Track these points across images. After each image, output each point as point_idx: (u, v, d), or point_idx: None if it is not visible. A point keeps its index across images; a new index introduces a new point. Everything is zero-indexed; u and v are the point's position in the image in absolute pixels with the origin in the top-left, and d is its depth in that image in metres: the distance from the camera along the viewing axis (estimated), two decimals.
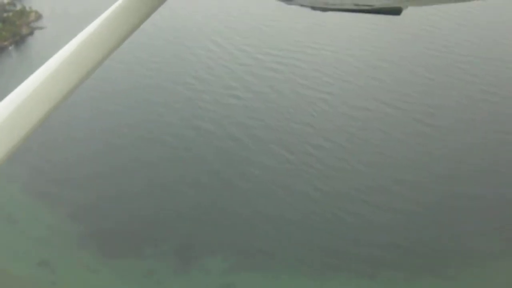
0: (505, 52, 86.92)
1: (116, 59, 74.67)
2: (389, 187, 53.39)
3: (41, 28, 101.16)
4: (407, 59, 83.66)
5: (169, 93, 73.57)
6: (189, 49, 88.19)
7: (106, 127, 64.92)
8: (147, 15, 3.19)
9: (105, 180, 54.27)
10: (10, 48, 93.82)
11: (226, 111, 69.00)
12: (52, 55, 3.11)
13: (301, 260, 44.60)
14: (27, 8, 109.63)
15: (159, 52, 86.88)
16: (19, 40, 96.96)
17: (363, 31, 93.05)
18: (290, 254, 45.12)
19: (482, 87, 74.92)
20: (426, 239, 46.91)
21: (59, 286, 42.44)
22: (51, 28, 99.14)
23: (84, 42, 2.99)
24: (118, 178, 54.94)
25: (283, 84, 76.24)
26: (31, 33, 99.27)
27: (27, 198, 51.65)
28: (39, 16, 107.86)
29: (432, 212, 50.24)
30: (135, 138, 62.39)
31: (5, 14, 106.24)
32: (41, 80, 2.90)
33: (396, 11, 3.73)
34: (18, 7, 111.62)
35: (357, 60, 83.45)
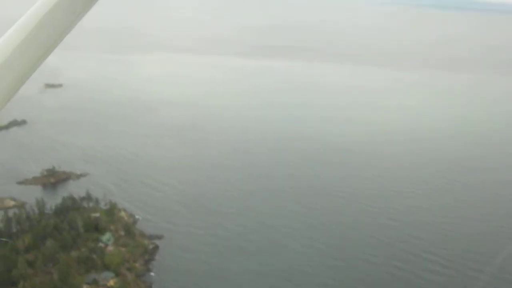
0: None
1: None
2: None
3: (160, 237, 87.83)
4: None
5: None
6: None
7: None
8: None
9: None
10: (153, 274, 79.83)
11: None
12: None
13: None
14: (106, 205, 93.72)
15: None
16: (150, 259, 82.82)
17: None
18: None
19: None
20: None
21: None
22: (175, 234, 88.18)
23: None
24: None
25: None
26: (156, 247, 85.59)
27: None
28: (131, 216, 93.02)
29: None
30: None
31: (92, 216, 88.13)
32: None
33: None
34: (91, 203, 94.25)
35: None
